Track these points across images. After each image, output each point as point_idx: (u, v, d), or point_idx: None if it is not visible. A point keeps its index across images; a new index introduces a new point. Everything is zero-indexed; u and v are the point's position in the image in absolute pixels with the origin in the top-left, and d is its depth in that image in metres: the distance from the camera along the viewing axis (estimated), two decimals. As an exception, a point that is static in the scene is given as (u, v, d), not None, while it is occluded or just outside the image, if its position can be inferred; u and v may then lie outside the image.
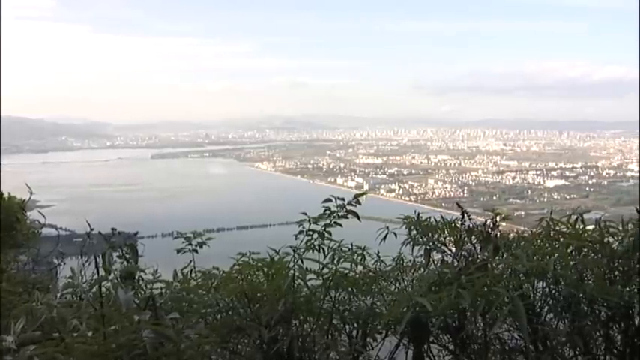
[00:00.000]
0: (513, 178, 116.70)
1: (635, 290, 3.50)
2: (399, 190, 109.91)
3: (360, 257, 4.28)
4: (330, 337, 3.98)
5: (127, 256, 3.69)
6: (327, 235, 3.89)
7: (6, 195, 5.47)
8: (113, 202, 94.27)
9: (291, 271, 3.85)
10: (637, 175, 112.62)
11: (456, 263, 4.01)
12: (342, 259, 3.99)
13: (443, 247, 4.28)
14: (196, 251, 4.41)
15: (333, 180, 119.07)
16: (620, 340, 3.74)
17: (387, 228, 4.54)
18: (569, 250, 3.87)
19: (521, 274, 3.61)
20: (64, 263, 5.38)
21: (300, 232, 3.91)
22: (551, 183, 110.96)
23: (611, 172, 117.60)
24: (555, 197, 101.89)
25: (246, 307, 3.95)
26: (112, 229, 3.74)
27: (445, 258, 4.19)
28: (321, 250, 3.91)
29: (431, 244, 4.30)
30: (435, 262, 4.20)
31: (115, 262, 3.45)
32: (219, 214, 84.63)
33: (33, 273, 5.23)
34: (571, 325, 3.71)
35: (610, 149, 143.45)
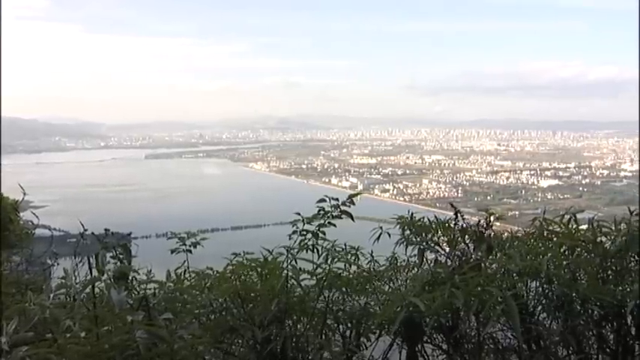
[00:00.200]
0: (507, 178, 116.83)
1: (628, 290, 3.51)
2: (393, 190, 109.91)
3: (353, 257, 4.28)
4: (323, 337, 3.98)
5: (121, 256, 3.69)
6: (320, 235, 3.89)
7: (-1, 195, 5.44)
8: (107, 203, 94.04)
9: (285, 272, 3.85)
10: (630, 174, 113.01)
11: (449, 263, 4.01)
12: (335, 259, 3.99)
13: (436, 247, 4.28)
14: (190, 252, 4.39)
15: (327, 180, 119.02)
16: (613, 339, 3.75)
17: (381, 228, 4.54)
18: (562, 250, 3.88)
19: (515, 274, 3.62)
20: (58, 264, 5.37)
21: (294, 232, 3.90)
22: (544, 183, 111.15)
23: (605, 172, 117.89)
24: (549, 197, 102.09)
25: (239, 307, 3.95)
26: (105, 229, 3.73)
27: (439, 258, 4.20)
28: (315, 250, 3.91)
29: (424, 244, 4.30)
30: (429, 262, 4.21)
31: (108, 263, 3.44)
32: (213, 214, 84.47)
33: (26, 274, 5.21)
34: (564, 324, 3.72)
35: (603, 149, 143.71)
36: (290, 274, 3.83)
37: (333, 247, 4.05)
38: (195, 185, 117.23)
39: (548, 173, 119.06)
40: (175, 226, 5.46)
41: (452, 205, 4.14)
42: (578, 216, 4.04)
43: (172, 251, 4.37)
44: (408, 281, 4.53)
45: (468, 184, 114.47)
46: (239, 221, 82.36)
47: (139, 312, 2.63)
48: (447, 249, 4.20)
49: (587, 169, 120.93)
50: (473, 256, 3.86)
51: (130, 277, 3.42)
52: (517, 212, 75.69)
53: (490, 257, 3.82)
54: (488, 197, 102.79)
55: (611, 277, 3.75)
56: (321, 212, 3.82)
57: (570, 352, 3.75)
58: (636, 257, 3.76)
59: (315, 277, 3.94)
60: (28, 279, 4.87)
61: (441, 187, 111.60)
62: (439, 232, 4.30)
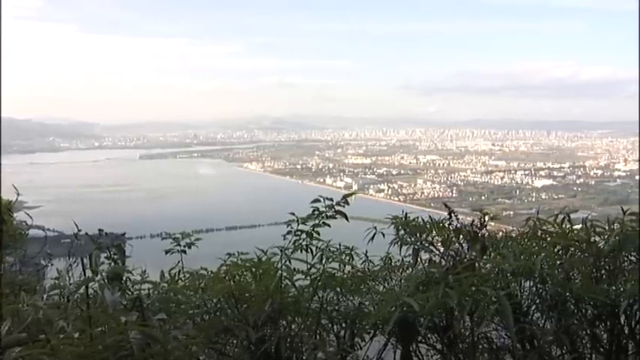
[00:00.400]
0: (502, 178, 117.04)
1: (622, 289, 3.52)
2: (387, 190, 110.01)
3: (348, 257, 4.28)
4: (317, 337, 3.98)
5: (115, 257, 3.68)
6: (315, 235, 3.89)
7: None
8: (101, 203, 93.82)
9: (279, 272, 3.84)
10: (624, 174, 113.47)
11: (443, 263, 4.02)
12: (330, 260, 3.98)
13: (431, 247, 4.29)
14: (184, 252, 4.39)
15: (322, 180, 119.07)
16: (607, 338, 3.76)
17: (375, 228, 4.54)
18: (556, 250, 3.89)
19: (509, 274, 3.63)
20: (52, 264, 5.36)
21: (289, 232, 3.90)
22: (539, 183, 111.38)
23: (599, 172, 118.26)
24: (543, 197, 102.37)
25: (233, 307, 3.94)
26: (99, 229, 3.72)
27: (433, 258, 4.21)
28: (309, 250, 3.90)
29: (419, 244, 4.31)
30: (423, 262, 4.21)
31: (102, 263, 3.43)
32: (207, 214, 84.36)
33: (20, 274, 5.19)
34: (558, 324, 3.73)
35: (597, 149, 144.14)
36: (284, 274, 3.82)
37: (327, 247, 4.04)
38: (189, 185, 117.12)
39: (542, 173, 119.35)
40: (170, 227, 5.46)
41: (446, 205, 4.15)
42: (573, 216, 4.05)
43: (167, 252, 4.36)
44: (402, 281, 4.53)
45: (462, 184, 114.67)
46: (233, 221, 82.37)
47: (133, 312, 2.63)
48: (442, 249, 4.20)
49: (581, 169, 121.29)
50: (467, 256, 3.87)
51: (124, 278, 3.42)
52: (511, 212, 75.88)
53: (484, 257, 3.84)
54: (483, 197, 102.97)
55: (604, 276, 3.76)
56: (316, 212, 3.82)
57: (564, 351, 3.76)
58: (629, 257, 3.78)
59: (309, 278, 3.93)
60: (22, 280, 4.86)
61: (435, 187, 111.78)
62: (433, 232, 4.31)
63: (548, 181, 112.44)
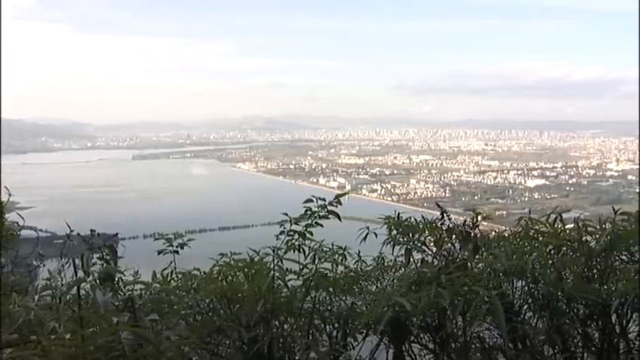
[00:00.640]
0: (495, 178, 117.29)
1: (613, 288, 3.53)
2: (381, 190, 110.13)
3: (340, 257, 4.28)
4: (310, 337, 3.97)
5: (107, 257, 3.67)
6: (308, 235, 3.89)
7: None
8: (94, 204, 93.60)
9: (272, 272, 3.84)
10: (616, 174, 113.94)
11: (436, 263, 4.03)
12: (322, 260, 3.98)
13: (423, 247, 4.30)
14: (177, 252, 4.38)
15: (315, 180, 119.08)
16: (599, 338, 3.78)
17: (368, 228, 4.55)
18: (548, 250, 3.91)
19: (501, 274, 3.64)
20: (44, 265, 5.34)
21: (282, 232, 3.90)
22: (532, 182, 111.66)
23: (591, 172, 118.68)
24: (536, 197, 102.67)
25: (226, 308, 3.94)
26: (91, 230, 3.71)
27: (425, 258, 4.21)
28: (302, 250, 3.90)
29: (411, 244, 4.31)
30: (416, 262, 4.22)
31: (94, 264, 3.43)
32: (201, 214, 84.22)
33: (12, 275, 5.17)
34: (550, 323, 3.74)
35: (590, 149, 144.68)
36: (276, 274, 3.82)
37: (320, 247, 4.04)
38: (182, 186, 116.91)
39: (535, 173, 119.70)
40: (163, 227, 5.44)
41: (438, 205, 4.16)
42: (565, 215, 4.07)
43: (159, 252, 4.35)
44: (394, 281, 4.54)
45: (455, 184, 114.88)
46: (227, 222, 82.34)
47: (125, 313, 2.62)
48: (434, 249, 4.21)
49: (574, 169, 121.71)
50: (459, 255, 3.88)
51: (116, 279, 3.41)
52: (504, 212, 76.02)
53: (476, 257, 3.84)
54: (476, 197, 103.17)
55: (596, 276, 3.78)
56: (308, 212, 3.82)
57: (556, 350, 3.78)
58: (621, 256, 3.80)
59: (301, 278, 3.93)
60: (14, 281, 4.84)
61: (428, 187, 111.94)
62: (426, 232, 4.32)
63: (541, 181, 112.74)
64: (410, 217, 4.48)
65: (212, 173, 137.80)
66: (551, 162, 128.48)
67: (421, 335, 4.05)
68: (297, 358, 3.90)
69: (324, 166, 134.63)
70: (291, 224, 3.87)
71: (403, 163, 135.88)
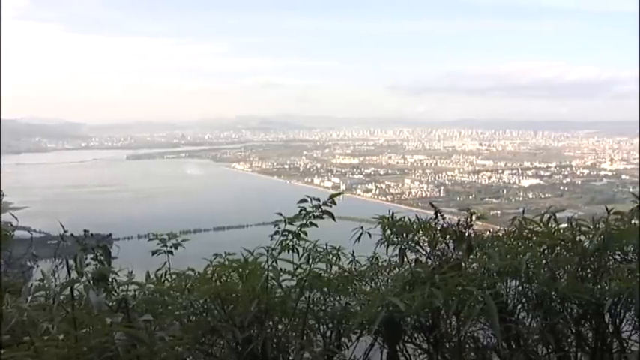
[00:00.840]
0: (489, 178, 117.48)
1: (606, 288, 3.54)
2: (375, 190, 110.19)
3: (334, 257, 4.28)
4: (304, 337, 3.97)
5: (101, 258, 3.67)
6: (302, 235, 3.89)
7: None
8: (88, 204, 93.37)
9: (266, 272, 3.84)
10: (610, 174, 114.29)
11: (430, 263, 4.03)
12: (316, 260, 3.98)
13: (417, 247, 4.30)
14: (171, 253, 4.37)
15: (309, 180, 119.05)
16: (592, 337, 3.79)
17: (362, 228, 4.55)
18: (542, 249, 3.92)
19: (495, 273, 3.64)
20: (38, 266, 5.32)
21: (276, 232, 3.90)
22: (526, 182, 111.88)
23: (585, 172, 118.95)
24: (530, 196, 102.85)
25: (220, 308, 3.93)
26: (85, 230, 3.71)
27: (419, 257, 4.22)
28: (296, 250, 3.90)
29: (405, 243, 4.32)
30: (410, 262, 4.23)
31: (88, 265, 3.42)
32: (195, 214, 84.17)
33: (5, 276, 5.15)
34: (543, 322, 3.75)
35: (584, 149, 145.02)
36: (270, 274, 3.82)
37: (314, 247, 4.04)
38: (177, 186, 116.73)
39: (529, 173, 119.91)
40: (157, 227, 5.44)
41: (432, 205, 4.16)
42: (560, 215, 4.09)
43: (153, 252, 4.34)
44: (389, 281, 4.54)
45: (450, 183, 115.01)
46: (221, 222, 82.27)
47: (118, 314, 2.62)
48: (428, 249, 4.22)
49: (568, 169, 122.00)
50: (453, 255, 3.88)
51: (110, 279, 3.41)
52: (499, 212, 75.98)
53: (470, 256, 3.85)
54: (471, 197, 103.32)
55: (589, 275, 3.79)
56: (303, 212, 3.82)
57: (549, 350, 3.79)
58: (614, 256, 3.81)
59: (295, 278, 3.93)
60: (7, 281, 4.82)
61: (423, 187, 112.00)
62: (420, 231, 4.32)
63: (535, 181, 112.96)
64: (404, 217, 4.48)
65: (206, 173, 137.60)
66: (546, 162, 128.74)
67: (415, 335, 4.05)
68: (291, 358, 3.90)
69: (318, 166, 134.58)
70: (286, 224, 3.87)
71: (398, 163, 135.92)
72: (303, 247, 3.96)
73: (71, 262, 3.16)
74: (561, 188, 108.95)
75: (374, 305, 3.49)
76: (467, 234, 3.92)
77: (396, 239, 4.36)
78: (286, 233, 3.88)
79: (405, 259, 4.30)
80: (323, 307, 4.24)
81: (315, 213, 3.82)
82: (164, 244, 4.35)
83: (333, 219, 3.83)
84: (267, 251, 3.85)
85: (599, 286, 3.63)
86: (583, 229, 3.85)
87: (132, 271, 3.91)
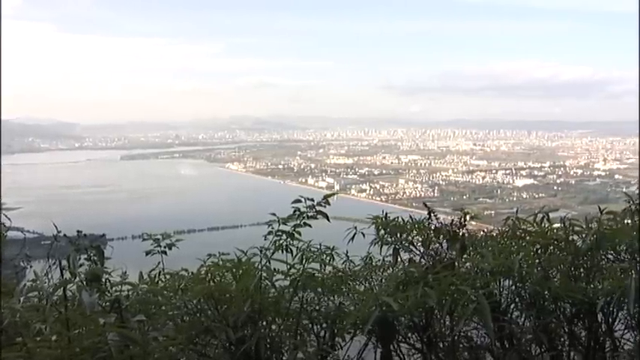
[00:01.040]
0: (483, 178, 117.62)
1: (599, 287, 3.56)
2: (369, 190, 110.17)
3: (328, 257, 4.28)
4: (298, 337, 3.97)
5: (94, 258, 3.66)
6: (296, 235, 3.89)
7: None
8: (82, 204, 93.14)
9: (259, 272, 3.83)
10: (603, 174, 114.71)
11: (423, 262, 4.04)
12: (310, 260, 3.98)
13: (411, 247, 4.31)
14: (165, 253, 4.37)
15: (304, 180, 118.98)
16: (585, 336, 3.80)
17: (355, 228, 4.56)
18: (535, 249, 3.93)
19: (488, 273, 3.65)
20: (31, 266, 5.31)
21: (270, 232, 3.90)
22: (520, 182, 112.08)
23: (579, 172, 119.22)
24: (524, 196, 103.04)
25: (213, 308, 3.93)
26: (78, 231, 3.70)
27: (413, 257, 4.23)
28: (289, 250, 3.90)
29: (399, 243, 4.33)
30: (403, 262, 4.23)
31: (82, 265, 3.41)
32: (190, 215, 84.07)
33: (-1, 277, 5.13)
34: (536, 322, 3.76)
35: (577, 149, 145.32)
36: (264, 274, 3.82)
37: (308, 247, 4.05)
38: (171, 186, 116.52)
39: (523, 172, 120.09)
40: (151, 228, 5.42)
41: (425, 205, 4.17)
42: (553, 215, 4.10)
43: (147, 253, 4.34)
44: (382, 281, 4.55)
45: (444, 183, 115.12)
46: (215, 222, 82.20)
47: (111, 314, 2.62)
48: (422, 248, 4.22)
49: (562, 169, 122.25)
50: (447, 255, 3.89)
51: (104, 279, 3.40)
52: (493, 211, 76.05)
53: (464, 256, 3.86)
54: (465, 197, 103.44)
55: (582, 275, 3.81)
56: (297, 213, 3.82)
57: (543, 349, 3.80)
58: (607, 255, 3.82)
59: (289, 278, 3.93)
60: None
61: (417, 187, 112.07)
62: (414, 231, 4.33)
63: (529, 181, 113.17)
64: (398, 217, 4.49)
65: (201, 173, 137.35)
66: (539, 162, 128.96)
67: (409, 335, 4.06)
68: (284, 358, 3.89)
69: (312, 166, 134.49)
70: (280, 224, 3.87)
71: (392, 163, 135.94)
72: (297, 247, 3.96)
73: (64, 262, 3.16)
74: (555, 188, 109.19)
75: (367, 305, 3.49)
76: (460, 234, 3.93)
77: (389, 239, 4.37)
78: (280, 233, 3.88)
79: (399, 259, 4.31)
80: (317, 307, 4.24)
81: (309, 213, 3.82)
82: (158, 244, 4.35)
83: (327, 219, 3.83)
84: (261, 251, 3.85)
85: (592, 286, 3.65)
86: (576, 228, 3.87)
87: (126, 272, 3.91)
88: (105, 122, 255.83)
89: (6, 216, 5.56)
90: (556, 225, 4.04)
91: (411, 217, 4.43)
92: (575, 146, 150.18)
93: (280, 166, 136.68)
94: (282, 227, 3.87)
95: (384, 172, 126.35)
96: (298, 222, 3.84)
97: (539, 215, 4.09)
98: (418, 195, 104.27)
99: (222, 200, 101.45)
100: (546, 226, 4.05)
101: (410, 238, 4.34)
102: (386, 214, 4.50)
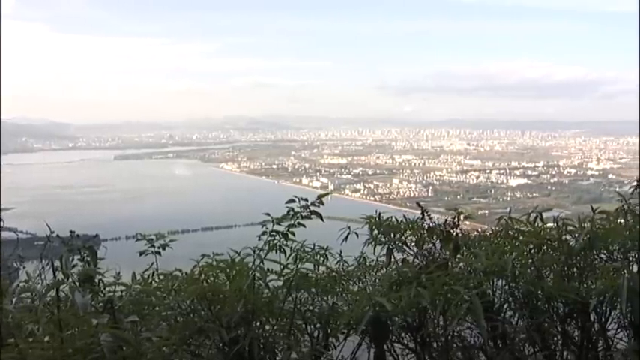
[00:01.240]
0: (477, 178, 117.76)
1: (592, 286, 3.56)
2: (364, 190, 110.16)
3: (322, 257, 4.28)
4: (291, 337, 3.97)
5: (87, 259, 3.65)
6: (290, 235, 3.89)
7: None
8: (76, 204, 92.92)
9: (252, 272, 3.83)
10: (596, 173, 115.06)
11: (417, 262, 4.04)
12: (303, 260, 3.98)
13: (404, 247, 4.31)
14: (159, 253, 4.36)
15: (298, 180, 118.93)
16: (578, 335, 3.81)
17: (349, 228, 4.56)
18: (528, 248, 3.94)
19: (481, 273, 3.66)
20: (24, 267, 5.29)
21: (264, 232, 3.89)
22: (514, 182, 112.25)
23: (572, 171, 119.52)
24: (518, 196, 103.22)
25: (207, 308, 3.92)
26: (71, 231, 3.69)
27: (407, 257, 4.23)
28: (283, 250, 3.90)
29: (392, 243, 4.33)
30: (397, 262, 4.24)
31: (75, 266, 3.41)
32: (183, 215, 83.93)
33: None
34: (530, 321, 3.77)
35: (571, 149, 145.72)
36: (257, 274, 3.81)
37: (301, 247, 4.04)
38: (165, 186, 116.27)
39: (517, 172, 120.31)
40: (145, 228, 5.41)
41: (419, 205, 4.17)
42: (547, 214, 4.11)
43: (141, 253, 4.33)
44: (376, 281, 4.55)
45: (438, 183, 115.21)
46: (209, 222, 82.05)
47: (104, 315, 2.61)
48: (415, 248, 4.23)
49: (555, 169, 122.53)
50: (440, 255, 3.89)
51: (97, 280, 3.40)
52: (487, 211, 76.23)
53: (457, 256, 3.86)
54: (459, 197, 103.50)
55: (575, 274, 3.81)
56: (291, 213, 3.82)
57: (536, 348, 3.81)
58: (599, 255, 3.83)
59: (282, 278, 3.93)
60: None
61: (411, 187, 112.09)
62: (407, 231, 4.33)
63: (523, 181, 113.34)
64: (391, 217, 4.49)
65: (195, 173, 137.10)
66: (533, 161, 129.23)
67: (402, 335, 4.06)
68: (278, 358, 3.89)
69: (306, 166, 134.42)
70: (274, 224, 3.87)
71: (386, 163, 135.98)
72: (291, 248, 3.96)
73: (57, 263, 3.15)
74: (549, 188, 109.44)
75: (361, 305, 3.50)
76: (454, 234, 3.93)
77: (383, 239, 4.38)
78: (274, 233, 3.88)
79: (393, 259, 4.31)
80: (310, 307, 4.24)
81: (303, 213, 3.82)
82: (152, 244, 4.35)
83: (321, 219, 3.83)
84: (255, 251, 3.85)
85: (585, 285, 3.66)
86: (569, 228, 3.88)
87: (119, 272, 3.90)
88: (98, 122, 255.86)
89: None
90: (549, 225, 4.05)
91: (404, 217, 4.43)
92: (568, 146, 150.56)
93: (274, 166, 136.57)
94: (276, 227, 3.88)
95: (378, 172, 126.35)
96: (292, 222, 3.84)
97: (533, 215, 4.10)
98: (412, 195, 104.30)
99: (216, 200, 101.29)
100: (539, 225, 4.06)
101: (403, 238, 4.34)
102: (379, 214, 4.50)
